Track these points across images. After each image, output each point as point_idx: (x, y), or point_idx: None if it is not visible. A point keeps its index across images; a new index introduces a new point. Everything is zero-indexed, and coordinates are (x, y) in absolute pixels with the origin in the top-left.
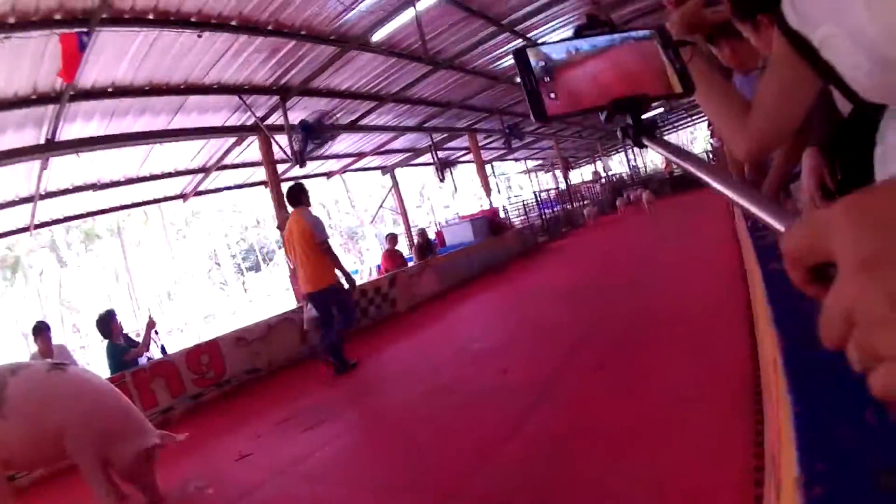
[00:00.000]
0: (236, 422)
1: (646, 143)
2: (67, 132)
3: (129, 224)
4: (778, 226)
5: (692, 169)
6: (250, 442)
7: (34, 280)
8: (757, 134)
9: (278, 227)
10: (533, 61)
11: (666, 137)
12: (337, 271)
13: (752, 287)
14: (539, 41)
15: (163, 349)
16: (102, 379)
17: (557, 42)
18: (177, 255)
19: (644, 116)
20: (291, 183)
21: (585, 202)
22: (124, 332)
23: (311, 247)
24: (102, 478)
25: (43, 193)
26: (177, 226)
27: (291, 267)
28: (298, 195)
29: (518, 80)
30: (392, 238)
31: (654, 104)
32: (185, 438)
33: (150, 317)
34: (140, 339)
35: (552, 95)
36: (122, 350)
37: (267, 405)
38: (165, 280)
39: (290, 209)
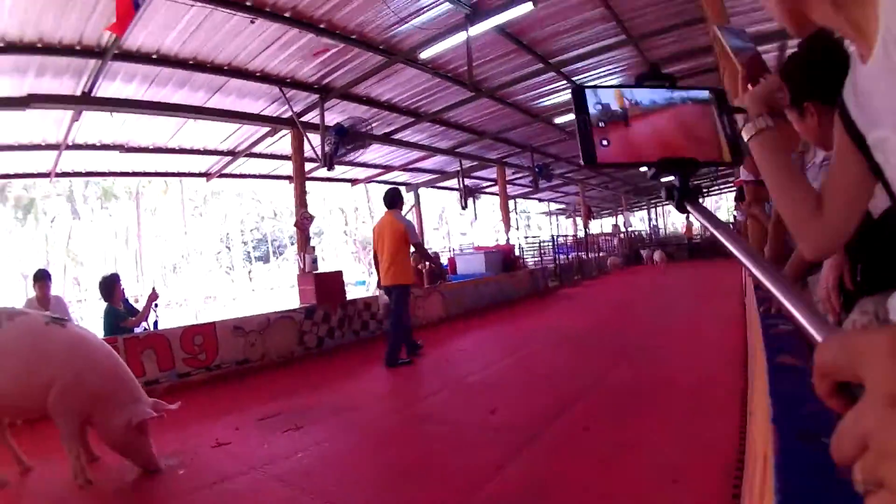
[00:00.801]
0: (219, 409)
1: (688, 208)
2: (105, 89)
3: (148, 190)
4: (815, 333)
5: (731, 247)
6: (229, 432)
7: (45, 225)
8: (831, 230)
9: (295, 225)
10: (590, 103)
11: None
12: (428, 264)
13: (751, 373)
14: (598, 84)
15: (155, 324)
16: (102, 340)
17: (616, 87)
18: (189, 231)
19: (666, 179)
20: (389, 188)
21: (602, 254)
22: (125, 297)
23: (399, 246)
24: (78, 440)
25: (70, 144)
26: (195, 202)
27: (372, 260)
28: (394, 199)
29: (557, 120)
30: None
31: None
32: (177, 408)
33: (153, 289)
34: (139, 307)
35: (604, 142)
36: (122, 316)
37: (252, 399)
38: (174, 253)
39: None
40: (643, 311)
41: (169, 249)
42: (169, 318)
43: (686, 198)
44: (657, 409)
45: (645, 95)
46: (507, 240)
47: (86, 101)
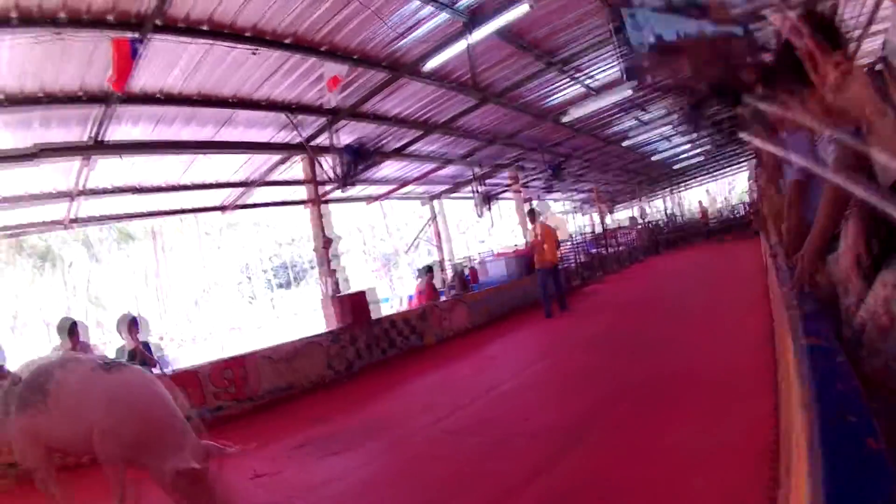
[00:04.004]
0: (255, 440)
1: (742, 133)
2: (112, 133)
3: (164, 228)
4: None
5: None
6: (266, 463)
7: (64, 272)
8: None
9: (315, 250)
10: (633, 23)
11: (704, 186)
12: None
13: (781, 355)
14: (643, 5)
15: (160, 366)
16: (154, 385)
17: (663, 10)
18: (209, 265)
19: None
20: (530, 206)
21: (622, 248)
22: (142, 339)
23: (552, 242)
24: (122, 486)
25: (82, 190)
26: (212, 235)
27: (535, 250)
28: (535, 214)
29: (565, 119)
30: (428, 271)
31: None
32: (238, 451)
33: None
34: (162, 344)
35: (649, 59)
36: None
37: (286, 427)
38: (195, 288)
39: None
40: (666, 301)
41: (190, 285)
42: (198, 353)
43: (738, 125)
44: (689, 402)
45: (693, 22)
46: (526, 243)
47: (95, 147)
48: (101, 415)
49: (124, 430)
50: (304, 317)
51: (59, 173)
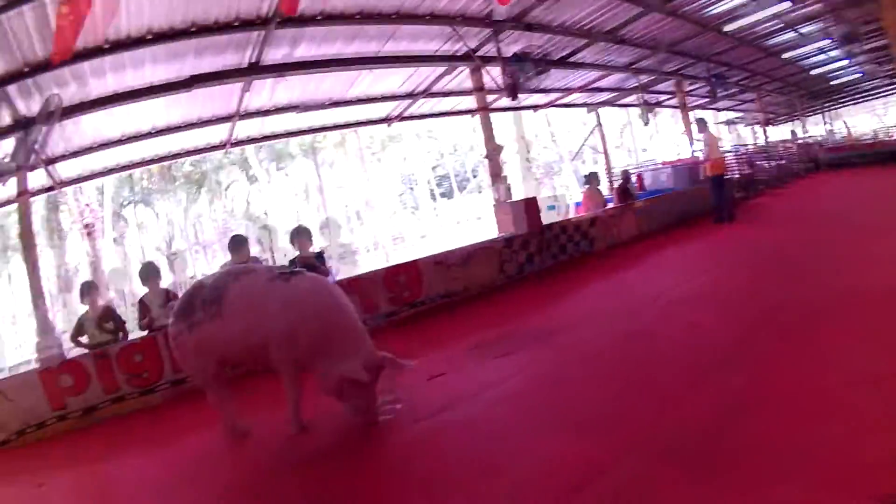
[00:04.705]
0: (428, 343)
1: None
2: (272, 55)
3: (323, 145)
4: None
5: None
6: (441, 364)
7: (222, 195)
8: None
9: (486, 157)
10: None
11: (867, 104)
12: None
13: None
14: None
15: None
16: (332, 291)
17: None
18: (370, 178)
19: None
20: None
21: (783, 161)
22: (318, 251)
23: (719, 152)
24: (297, 390)
25: (243, 113)
26: (372, 149)
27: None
28: (704, 123)
29: (726, 28)
30: (593, 178)
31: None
32: (414, 365)
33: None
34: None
35: None
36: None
37: (459, 330)
38: (357, 201)
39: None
40: (828, 217)
41: (351, 198)
42: (361, 263)
43: None
44: (852, 320)
45: None
46: (693, 153)
47: (252, 71)
48: (279, 322)
49: (303, 335)
50: (466, 225)
51: (220, 98)
